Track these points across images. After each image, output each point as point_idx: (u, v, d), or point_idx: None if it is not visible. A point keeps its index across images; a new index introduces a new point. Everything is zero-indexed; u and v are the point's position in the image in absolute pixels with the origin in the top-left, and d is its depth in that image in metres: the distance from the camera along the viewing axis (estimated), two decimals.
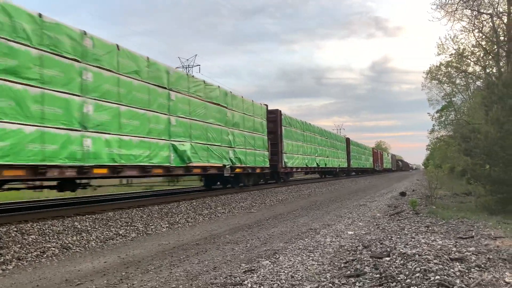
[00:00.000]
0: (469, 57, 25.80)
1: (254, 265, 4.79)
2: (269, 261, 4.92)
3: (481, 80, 24.76)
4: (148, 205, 9.50)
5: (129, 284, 4.22)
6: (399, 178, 39.23)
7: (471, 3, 17.10)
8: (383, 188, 21.37)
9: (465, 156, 10.77)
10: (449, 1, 17.35)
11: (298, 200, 14.02)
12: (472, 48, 24.55)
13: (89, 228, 6.92)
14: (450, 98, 40.54)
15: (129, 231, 7.24)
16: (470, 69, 29.73)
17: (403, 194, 14.72)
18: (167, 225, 8.15)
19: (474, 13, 17.93)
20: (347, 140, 38.74)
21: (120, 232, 7.08)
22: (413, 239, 5.13)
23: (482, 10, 18.13)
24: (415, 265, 3.87)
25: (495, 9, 19.02)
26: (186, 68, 50.31)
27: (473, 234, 6.14)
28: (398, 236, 5.89)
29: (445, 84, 38.13)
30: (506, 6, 17.89)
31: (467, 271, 3.90)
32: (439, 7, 17.64)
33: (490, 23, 18.75)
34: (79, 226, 6.91)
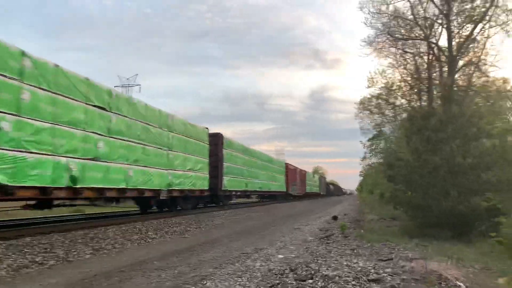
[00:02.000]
0: (396, 91, 27.91)
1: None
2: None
3: (407, 113, 26.77)
4: (72, 229, 8.93)
5: None
6: (334, 202, 40.63)
7: (396, 42, 18.64)
8: (319, 212, 21.98)
9: (389, 183, 11.50)
10: (377, 39, 18.79)
11: (235, 225, 13.96)
12: (399, 83, 26.63)
13: (0, 255, 6.34)
14: (380, 127, 43.29)
15: (47, 258, 6.73)
16: (398, 102, 32.12)
17: (335, 218, 15.23)
18: (91, 251, 7.70)
19: (399, 51, 19.54)
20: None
21: (37, 260, 6.55)
22: (336, 262, 5.32)
23: (406, 49, 19.88)
24: (335, 287, 4.01)
25: (418, 49, 20.94)
26: (126, 87, 49.07)
27: (393, 256, 6.49)
28: (324, 259, 6.06)
29: (376, 115, 40.80)
30: (427, 47, 19.80)
31: None
32: (367, 44, 19.02)
33: (413, 62, 20.58)
34: None
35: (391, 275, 4.74)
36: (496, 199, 8.82)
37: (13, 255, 6.52)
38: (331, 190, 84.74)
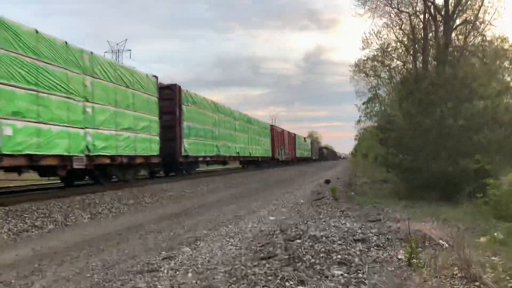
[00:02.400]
0: (391, 52, 27.64)
1: (174, 252, 4.87)
2: (189, 248, 5.03)
3: (401, 75, 26.65)
4: (69, 195, 9.10)
5: (40, 276, 4.11)
6: (328, 167, 41.19)
7: (391, 1, 18.28)
8: (312, 176, 22.36)
9: (381, 145, 11.67)
10: None
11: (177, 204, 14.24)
12: (394, 44, 26.33)
13: (1, 220, 6.52)
14: (375, 90, 43.13)
15: (47, 223, 6.94)
16: (394, 64, 31.90)
17: (327, 181, 15.51)
18: (89, 216, 7.92)
19: (394, 10, 19.19)
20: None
21: (36, 224, 6.76)
22: (324, 223, 5.53)
23: (402, 8, 19.52)
24: (321, 246, 4.22)
25: (414, 8, 20.57)
26: (116, 52, 48.15)
27: (381, 217, 6.72)
28: (314, 221, 6.29)
29: (371, 77, 40.56)
30: (423, 6, 19.41)
31: (367, 250, 4.32)
32: (362, 3, 18.64)
33: (409, 21, 20.25)
34: None
35: (376, 235, 4.96)
36: (485, 160, 9.00)
37: (13, 220, 6.71)
38: (325, 155, 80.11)
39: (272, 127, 33.95)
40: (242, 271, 3.83)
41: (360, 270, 3.63)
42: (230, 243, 5.18)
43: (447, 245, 4.76)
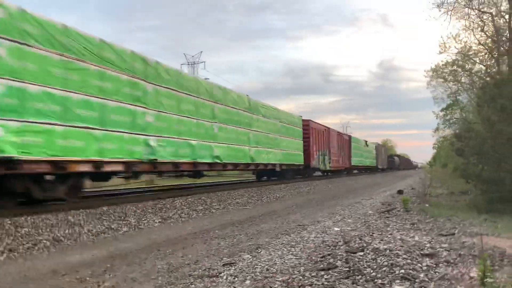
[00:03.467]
0: (473, 56, 25.76)
1: (235, 258, 4.95)
2: (250, 255, 5.08)
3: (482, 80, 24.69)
4: (143, 200, 9.69)
5: (111, 275, 4.41)
6: (404, 176, 39.21)
7: (471, 1, 17.07)
8: (385, 186, 21.44)
9: (457, 155, 10.84)
10: (448, 0, 17.32)
11: (296, 197, 14.18)
12: (478, 47, 24.50)
13: (82, 222, 7.12)
14: (455, 96, 40.35)
15: (121, 225, 7.45)
16: (475, 68, 29.66)
17: (400, 192, 14.78)
18: (160, 220, 8.34)
19: (475, 11, 17.89)
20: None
21: (113, 226, 7.28)
22: (390, 236, 5.26)
23: (484, 9, 18.11)
24: (384, 260, 4.02)
25: (498, 8, 18.99)
26: (192, 64, 50.54)
27: (456, 231, 6.24)
28: (380, 233, 6.01)
29: (450, 83, 37.99)
30: (508, 5, 17.85)
31: (435, 265, 4.03)
32: (438, 5, 17.61)
33: (492, 22, 18.71)
34: (72, 219, 7.11)
35: (447, 250, 4.61)
36: None
37: (92, 222, 7.30)
38: (396, 163, 68.47)
39: (308, 123, 23.53)
40: (300, 281, 3.78)
41: (425, 287, 3.40)
42: (290, 252, 5.14)
43: None
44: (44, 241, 5.97)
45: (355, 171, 41.68)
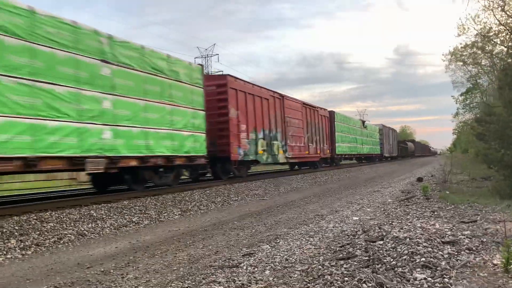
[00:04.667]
0: (493, 37, 25.04)
1: (254, 249, 5.00)
2: (269, 246, 5.12)
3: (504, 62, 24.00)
4: (162, 193, 9.83)
5: (134, 267, 4.51)
6: (422, 163, 38.64)
7: None
8: (403, 173, 21.17)
9: (478, 140, 10.59)
10: None
11: (313, 187, 14.15)
12: (498, 28, 23.80)
13: (104, 216, 7.29)
14: (475, 80, 39.41)
15: (142, 219, 7.58)
16: (496, 49, 28.84)
17: (420, 179, 14.60)
18: (179, 212, 8.46)
19: None
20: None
21: (134, 220, 7.42)
22: (410, 224, 5.21)
23: None
24: (404, 248, 3.99)
25: None
26: (205, 57, 50.59)
27: (478, 218, 6.13)
28: (399, 221, 5.97)
29: (470, 66, 37.09)
30: None
31: (456, 253, 3.98)
32: None
33: None
34: (94, 214, 7.28)
35: (469, 238, 4.54)
36: None
37: (114, 216, 7.45)
38: (410, 150, 59.01)
39: (226, 80, 13.72)
40: (319, 270, 3.80)
41: (446, 275, 3.36)
42: (309, 242, 5.16)
43: None
44: (69, 235, 6.14)
45: (349, 161, 33.64)
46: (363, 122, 35.18)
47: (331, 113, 25.67)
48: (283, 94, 18.27)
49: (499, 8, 19.32)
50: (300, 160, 20.58)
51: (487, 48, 29.57)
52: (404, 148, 54.49)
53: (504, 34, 23.49)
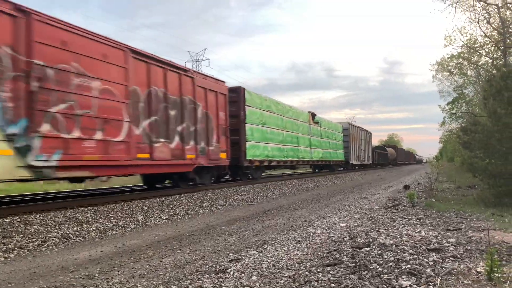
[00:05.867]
0: (478, 48, 25.54)
1: (242, 254, 4.98)
2: (256, 251, 5.11)
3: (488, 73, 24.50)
4: (150, 197, 9.75)
5: (119, 272, 4.45)
6: (409, 171, 39.04)
7: None
8: (390, 181, 21.37)
9: (464, 149, 10.77)
10: None
11: (301, 193, 14.18)
12: (484, 39, 24.25)
13: (90, 220, 7.19)
14: (461, 90, 40.07)
15: (129, 223, 7.51)
16: (482, 61, 29.38)
17: (406, 187, 14.76)
18: (166, 216, 8.40)
19: (480, 3, 17.71)
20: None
21: (120, 223, 7.35)
22: (396, 231, 5.26)
23: (489, 1, 17.91)
24: (390, 255, 4.02)
25: (504, 0, 18.77)
26: (196, 62, 50.52)
27: (463, 226, 6.22)
28: (386, 228, 6.02)
29: (456, 76, 37.70)
30: None
31: (441, 261, 4.03)
32: None
33: (498, 14, 18.51)
34: (80, 217, 7.19)
35: (454, 245, 4.60)
36: None
37: (100, 219, 7.37)
38: (391, 157, 52.06)
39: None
40: (306, 276, 3.80)
41: (431, 282, 3.40)
42: (297, 248, 5.16)
43: None
44: (53, 238, 6.04)
45: (292, 171, 26.16)
46: (313, 115, 24.74)
47: (238, 91, 15.48)
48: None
49: (485, 21, 19.75)
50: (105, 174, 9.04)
51: (472, 59, 30.10)
52: (383, 155, 47.17)
53: (489, 45, 23.99)
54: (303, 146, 22.46)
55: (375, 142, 53.50)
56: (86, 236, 6.48)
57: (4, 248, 5.41)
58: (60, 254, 5.43)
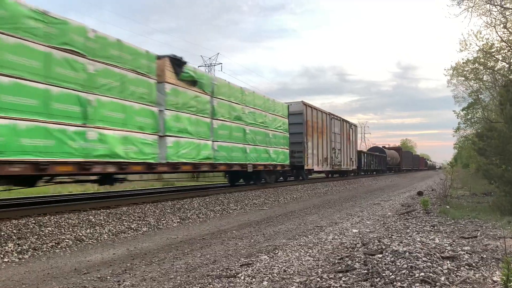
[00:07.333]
0: (495, 53, 25.18)
1: (253, 259, 4.96)
2: (268, 256, 5.09)
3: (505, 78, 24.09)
4: (162, 200, 9.81)
5: (131, 274, 4.48)
6: (422, 177, 38.54)
7: None
8: (403, 187, 21.12)
9: (479, 155, 10.59)
10: None
11: (313, 198, 14.10)
12: (500, 44, 23.91)
13: (103, 222, 7.26)
14: (477, 95, 39.48)
15: (141, 225, 7.56)
16: (498, 66, 28.94)
17: (420, 193, 14.57)
18: (178, 220, 8.43)
19: (497, 8, 17.47)
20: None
21: (132, 226, 7.40)
22: (410, 238, 5.19)
23: (506, 5, 17.65)
24: (403, 262, 3.96)
25: None
26: (209, 66, 50.82)
27: (478, 234, 6.11)
28: (399, 235, 5.94)
29: (472, 81, 37.16)
30: None
31: (456, 269, 3.95)
32: (457, 2, 17.28)
33: None
34: (93, 219, 7.26)
35: (469, 253, 4.51)
36: None
37: (113, 222, 7.43)
38: (393, 162, 43.40)
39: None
40: (317, 283, 3.77)
41: None
42: (308, 254, 5.13)
43: None
44: (67, 240, 6.11)
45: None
46: (176, 61, 10.28)
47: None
48: None
49: (501, 25, 19.46)
50: None
51: (489, 64, 29.67)
52: (378, 158, 36.98)
53: (506, 50, 23.63)
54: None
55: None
56: (99, 238, 6.54)
57: (19, 249, 5.49)
58: (73, 256, 5.48)
